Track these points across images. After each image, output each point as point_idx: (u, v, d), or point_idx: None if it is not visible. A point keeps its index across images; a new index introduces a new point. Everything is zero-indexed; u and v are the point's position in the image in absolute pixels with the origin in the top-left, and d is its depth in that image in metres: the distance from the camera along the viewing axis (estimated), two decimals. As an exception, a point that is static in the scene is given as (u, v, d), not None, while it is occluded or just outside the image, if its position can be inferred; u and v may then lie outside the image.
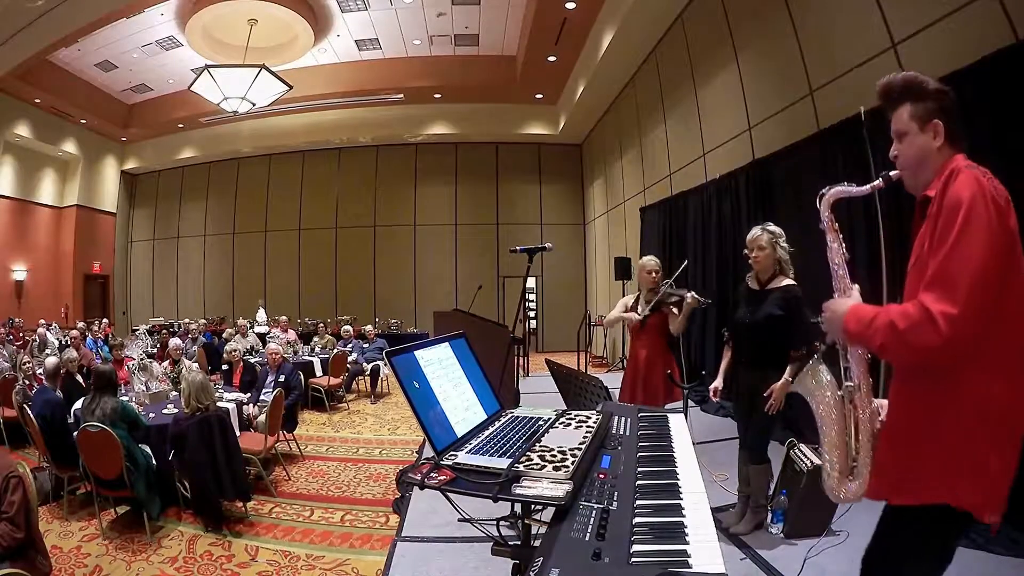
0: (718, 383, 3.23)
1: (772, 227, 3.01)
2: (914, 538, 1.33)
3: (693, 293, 3.49)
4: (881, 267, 3.75)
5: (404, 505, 3.70)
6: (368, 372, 8.16)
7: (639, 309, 3.76)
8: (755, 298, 3.04)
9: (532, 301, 13.70)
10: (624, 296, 4.11)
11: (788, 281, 2.97)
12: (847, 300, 1.44)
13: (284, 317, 10.20)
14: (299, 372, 5.94)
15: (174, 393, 5.05)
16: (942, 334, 1.15)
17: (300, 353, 8.24)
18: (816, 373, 1.52)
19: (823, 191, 1.56)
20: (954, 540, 1.34)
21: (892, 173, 1.47)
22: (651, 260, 3.82)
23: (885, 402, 1.48)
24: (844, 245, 1.55)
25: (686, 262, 3.91)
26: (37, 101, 11.65)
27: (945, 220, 1.23)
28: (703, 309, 3.61)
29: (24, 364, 5.57)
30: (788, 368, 2.88)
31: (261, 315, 11.36)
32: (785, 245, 3.00)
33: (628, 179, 10.17)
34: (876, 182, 1.50)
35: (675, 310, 3.59)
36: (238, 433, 4.31)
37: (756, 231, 3.03)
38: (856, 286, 1.53)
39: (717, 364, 6.23)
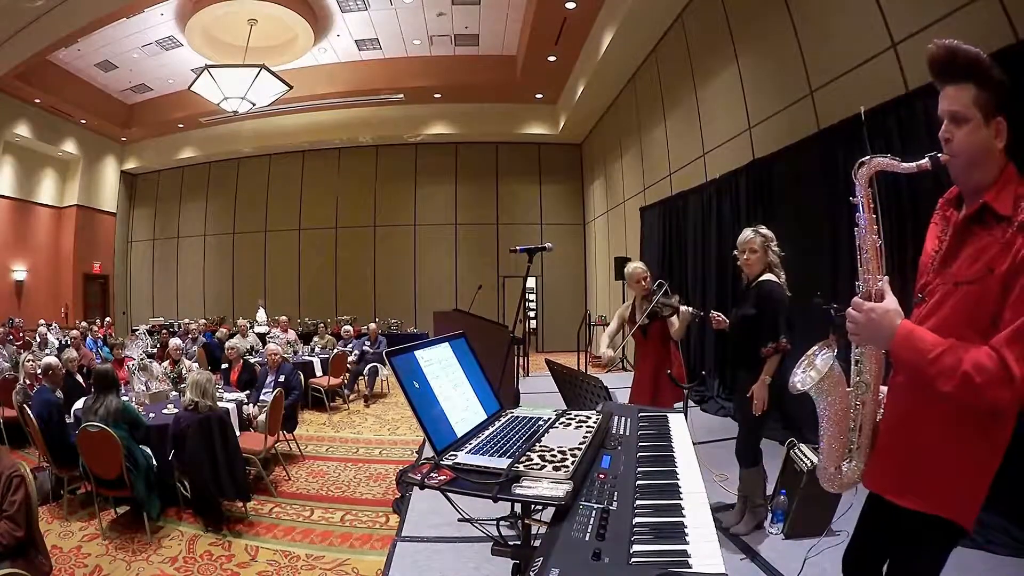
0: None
1: (764, 230, 3.01)
2: (931, 548, 1.32)
3: (686, 307, 3.51)
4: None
5: (404, 505, 3.71)
6: (366, 373, 8.15)
7: (637, 317, 3.72)
8: (742, 297, 3.06)
9: (532, 301, 13.70)
10: (623, 302, 4.09)
11: (766, 276, 2.94)
12: (891, 308, 1.27)
13: (284, 317, 10.19)
14: (299, 372, 5.94)
15: (174, 393, 5.05)
16: (1017, 393, 1.11)
17: (300, 353, 8.24)
18: (831, 374, 1.43)
19: (862, 160, 1.34)
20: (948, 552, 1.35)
21: (941, 157, 1.27)
22: (638, 268, 3.73)
23: (884, 389, 1.45)
24: (878, 227, 1.35)
25: (660, 282, 3.75)
26: (37, 101, 11.66)
27: None
28: (699, 319, 3.61)
29: (28, 363, 5.56)
30: (765, 366, 2.86)
31: (261, 315, 11.37)
32: (776, 248, 2.98)
33: (628, 179, 10.16)
34: (923, 161, 1.28)
35: (672, 318, 3.60)
36: (238, 433, 4.31)
37: (748, 233, 3.02)
38: (886, 277, 1.33)
39: (716, 365, 6.27)
